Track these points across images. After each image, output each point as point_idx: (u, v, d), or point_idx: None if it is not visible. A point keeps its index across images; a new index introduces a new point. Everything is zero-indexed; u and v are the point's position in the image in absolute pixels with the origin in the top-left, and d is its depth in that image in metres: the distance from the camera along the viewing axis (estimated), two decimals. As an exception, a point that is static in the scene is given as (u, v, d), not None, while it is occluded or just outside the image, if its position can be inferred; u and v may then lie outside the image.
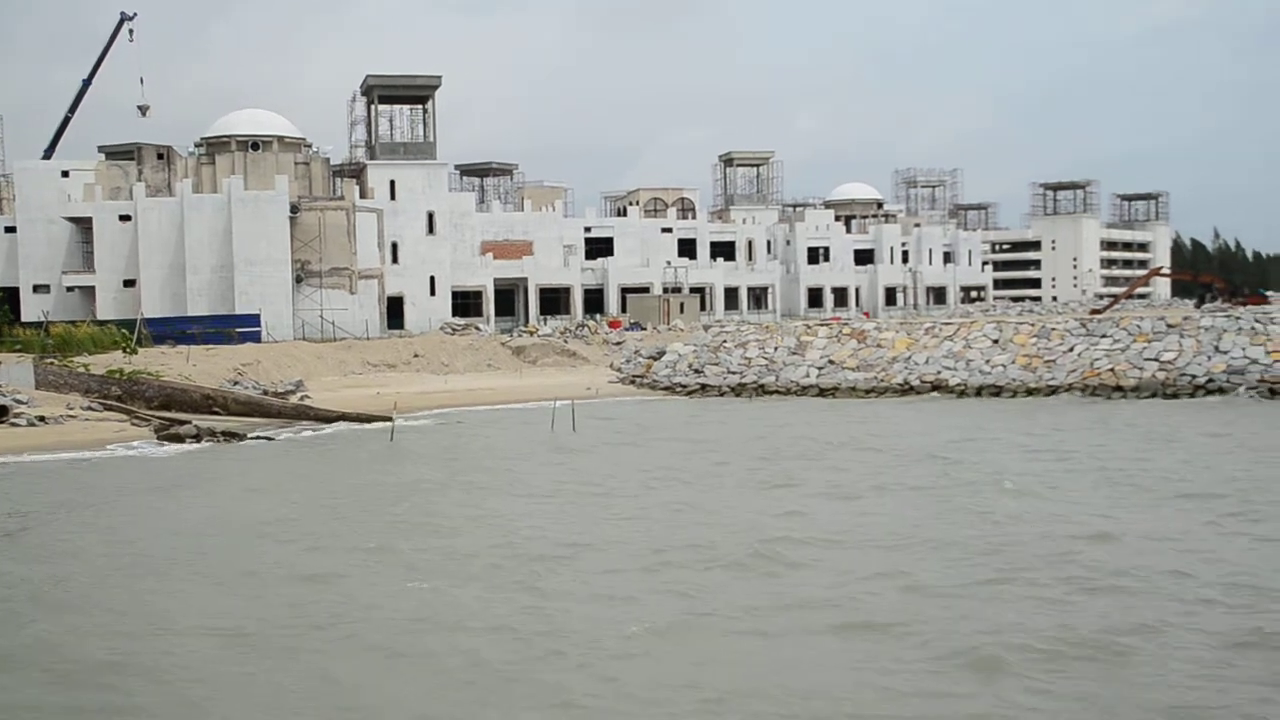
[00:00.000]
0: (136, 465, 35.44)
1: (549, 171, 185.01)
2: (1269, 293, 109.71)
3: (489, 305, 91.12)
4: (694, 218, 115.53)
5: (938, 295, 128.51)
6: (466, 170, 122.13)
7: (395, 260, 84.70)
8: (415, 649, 15.97)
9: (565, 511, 26.22)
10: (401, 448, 38.95)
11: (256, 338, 69.50)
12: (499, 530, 24.06)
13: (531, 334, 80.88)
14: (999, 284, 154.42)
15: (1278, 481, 27.87)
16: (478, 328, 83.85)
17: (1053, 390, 52.53)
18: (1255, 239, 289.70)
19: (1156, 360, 52.69)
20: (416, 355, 67.98)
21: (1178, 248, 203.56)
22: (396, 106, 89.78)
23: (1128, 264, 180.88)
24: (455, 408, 52.47)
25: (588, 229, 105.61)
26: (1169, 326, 55.25)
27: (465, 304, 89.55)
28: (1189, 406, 47.45)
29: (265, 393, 51.78)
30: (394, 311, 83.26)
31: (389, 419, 43.93)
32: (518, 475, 32.42)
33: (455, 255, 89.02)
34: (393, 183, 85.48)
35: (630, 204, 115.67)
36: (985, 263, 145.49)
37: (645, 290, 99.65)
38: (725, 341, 64.31)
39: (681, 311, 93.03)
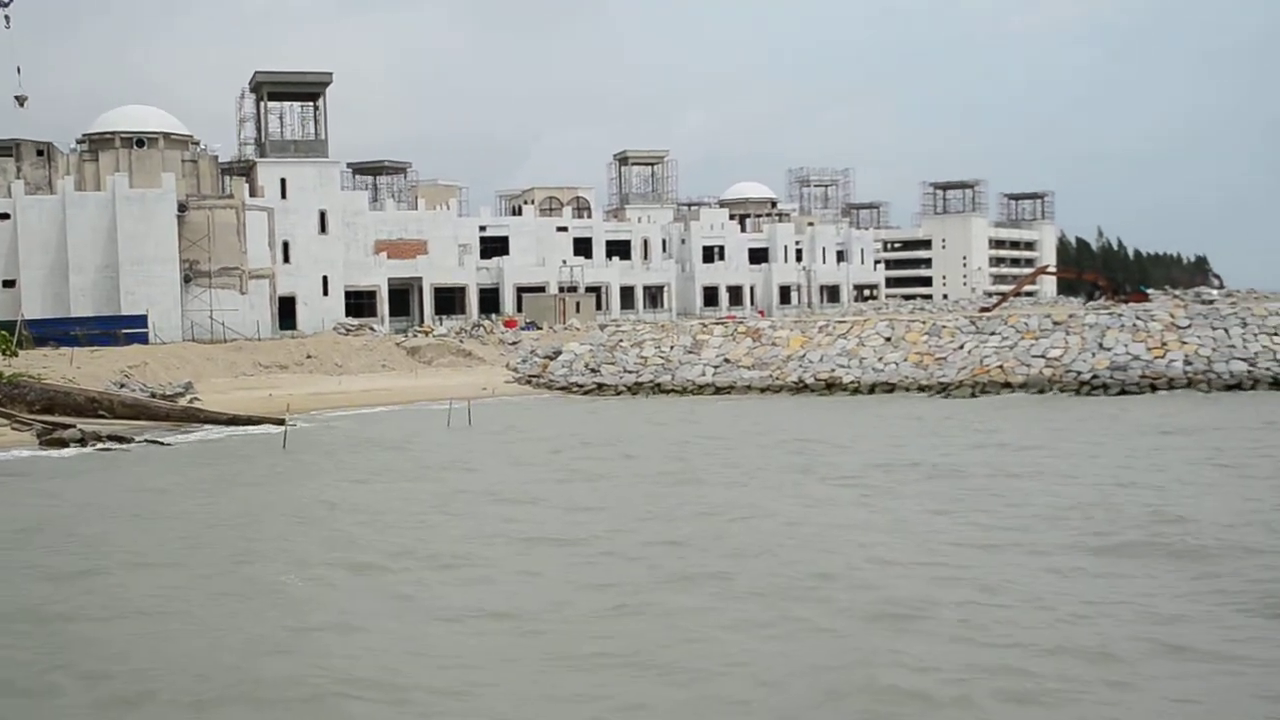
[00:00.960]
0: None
1: (443, 170, 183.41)
2: (1150, 290, 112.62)
3: (383, 305, 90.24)
4: (589, 217, 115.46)
5: (831, 294, 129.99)
6: (359, 168, 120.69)
7: (287, 260, 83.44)
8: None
9: (465, 513, 26.01)
10: (294, 451, 38.32)
11: (144, 339, 67.99)
12: (398, 534, 23.78)
13: (427, 334, 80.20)
14: (891, 282, 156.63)
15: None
16: (372, 328, 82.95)
17: (944, 387, 53.35)
18: (1136, 238, 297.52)
19: (1044, 357, 53.80)
20: (309, 356, 67.01)
21: (1063, 246, 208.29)
22: (286, 103, 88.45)
23: (1015, 262, 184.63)
24: (350, 409, 51.85)
25: (483, 228, 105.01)
26: (1055, 324, 56.42)
27: (359, 304, 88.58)
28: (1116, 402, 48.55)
29: (153, 395, 50.65)
30: (286, 312, 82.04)
31: (282, 421, 43.24)
32: (412, 477, 32.08)
33: (348, 254, 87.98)
34: (283, 181, 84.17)
35: (525, 203, 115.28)
36: (878, 261, 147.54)
37: (541, 289, 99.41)
38: (621, 341, 64.38)
39: (578, 311, 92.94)
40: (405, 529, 24.08)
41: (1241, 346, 52.03)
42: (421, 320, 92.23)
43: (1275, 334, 52.50)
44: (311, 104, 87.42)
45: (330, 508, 26.83)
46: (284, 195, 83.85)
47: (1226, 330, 53.23)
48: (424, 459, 35.68)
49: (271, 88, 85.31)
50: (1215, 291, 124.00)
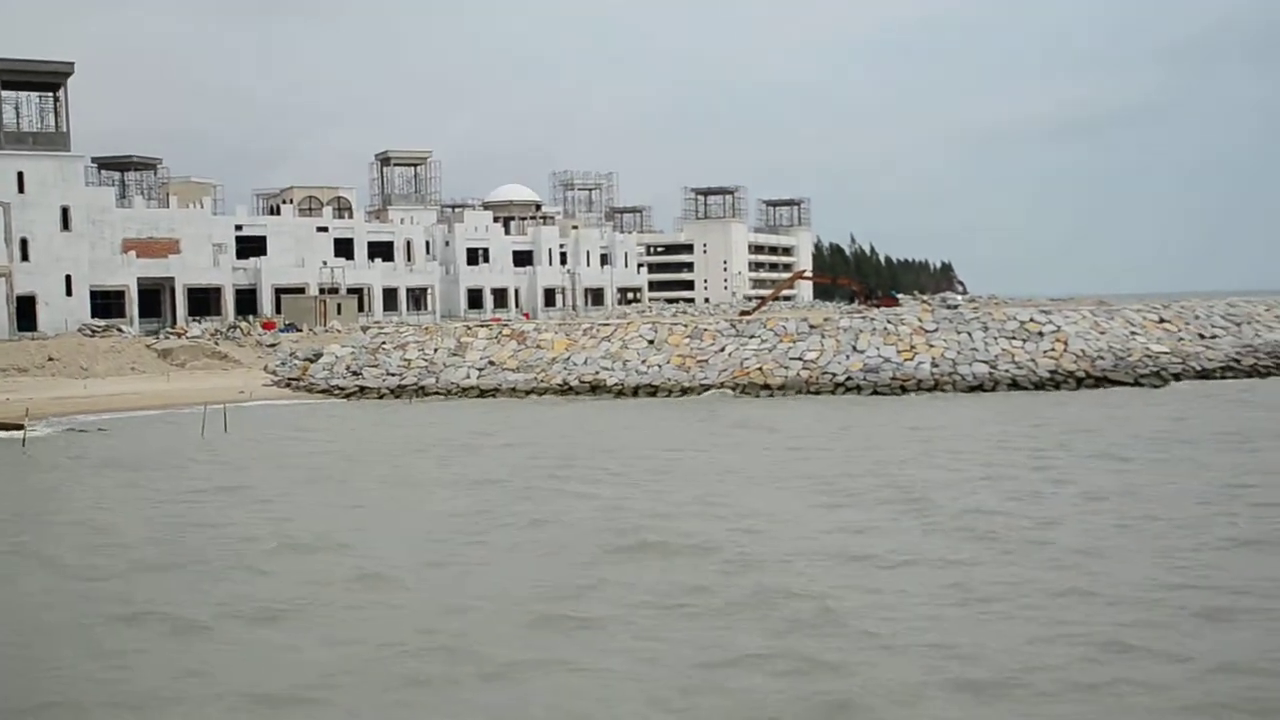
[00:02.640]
0: None
1: (197, 167, 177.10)
2: (899, 295, 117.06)
3: (132, 306, 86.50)
4: (351, 217, 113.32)
5: (595, 296, 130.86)
6: (105, 163, 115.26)
7: (25, 258, 78.98)
8: None
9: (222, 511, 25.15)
10: (34, 457, 36.36)
11: None
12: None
13: (180, 335, 77.22)
14: (654, 285, 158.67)
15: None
16: (120, 329, 79.31)
17: (705, 389, 54.26)
18: (888, 244, 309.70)
19: (801, 360, 55.31)
20: (51, 359, 63.67)
21: (819, 252, 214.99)
22: (23, 93, 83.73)
23: (774, 267, 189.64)
24: (96, 414, 49.48)
25: (239, 227, 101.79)
26: (811, 327, 58.03)
27: (106, 304, 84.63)
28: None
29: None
30: (24, 312, 77.73)
31: (20, 427, 40.95)
32: (158, 482, 30.84)
33: (94, 253, 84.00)
34: (21, 174, 79.57)
35: (284, 202, 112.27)
36: (641, 265, 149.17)
37: (301, 291, 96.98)
38: (384, 343, 63.39)
39: (339, 312, 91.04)
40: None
41: (984, 350, 54.59)
42: (174, 322, 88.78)
43: (1014, 338, 55.31)
44: (51, 94, 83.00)
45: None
46: (21, 189, 79.27)
47: (970, 334, 55.78)
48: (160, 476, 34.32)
49: (6, 76, 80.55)
50: (960, 297, 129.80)
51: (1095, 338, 55.72)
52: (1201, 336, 59.21)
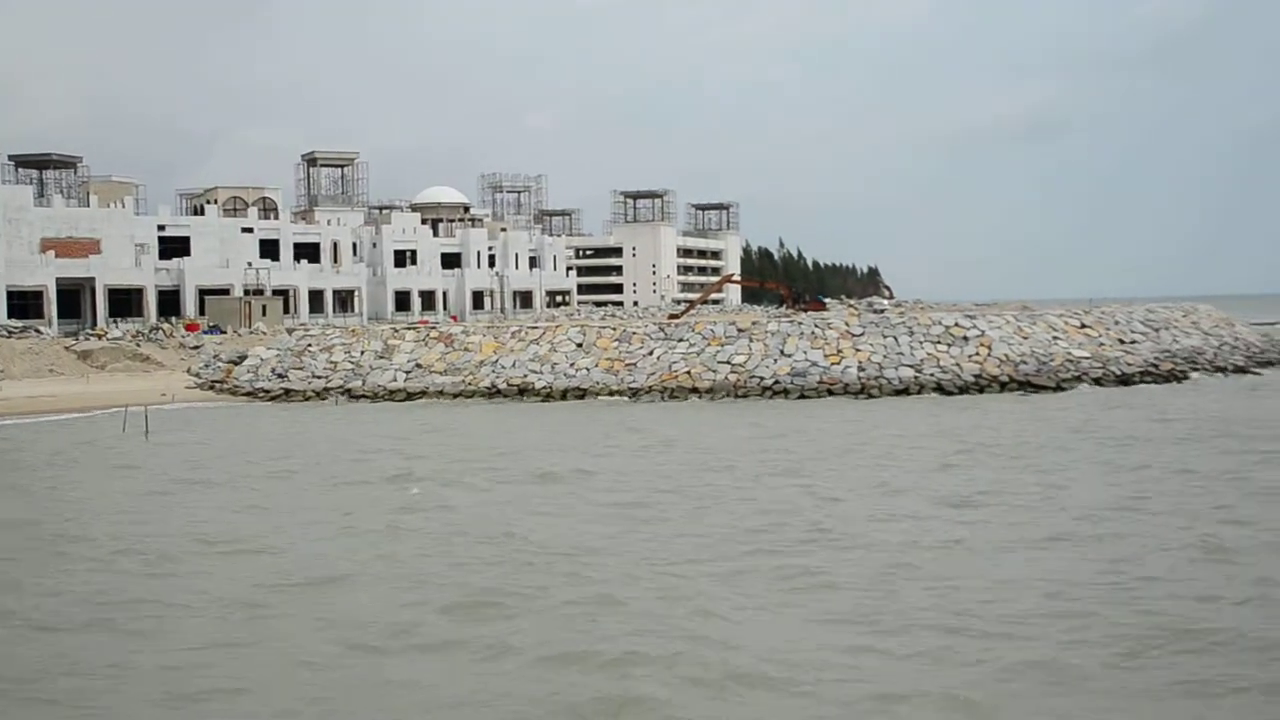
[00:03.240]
0: None
1: (118, 166, 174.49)
2: (827, 299, 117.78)
3: (51, 306, 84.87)
4: (276, 218, 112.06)
5: (524, 299, 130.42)
6: (22, 161, 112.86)
7: (-60, 257, 77.35)
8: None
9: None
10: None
11: None
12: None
13: (100, 337, 75.90)
14: (583, 289, 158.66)
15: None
16: (38, 330, 77.78)
17: (634, 392, 54.28)
18: (815, 249, 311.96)
19: (729, 363, 55.46)
20: (-34, 361, 62.36)
21: (747, 256, 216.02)
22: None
23: (702, 270, 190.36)
24: (11, 417, 48.51)
25: (162, 227, 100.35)
26: (739, 331, 58.19)
27: (23, 305, 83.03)
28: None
29: None
30: (-61, 313, 76.08)
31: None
32: (70, 487, 30.28)
33: (11, 252, 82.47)
34: (-64, 172, 78.05)
35: (208, 202, 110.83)
36: (570, 268, 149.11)
37: (225, 292, 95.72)
38: (310, 345, 62.77)
39: (264, 314, 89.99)
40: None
41: (909, 354, 55.07)
42: (94, 323, 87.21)
43: (939, 342, 55.85)
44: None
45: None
46: (-64, 187, 77.68)
47: (896, 339, 56.23)
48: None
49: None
50: (886, 301, 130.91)
51: (1018, 342, 56.41)
52: (1121, 342, 60.22)
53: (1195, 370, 59.43)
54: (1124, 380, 54.70)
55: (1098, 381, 53.89)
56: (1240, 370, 61.77)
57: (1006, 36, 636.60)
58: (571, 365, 57.29)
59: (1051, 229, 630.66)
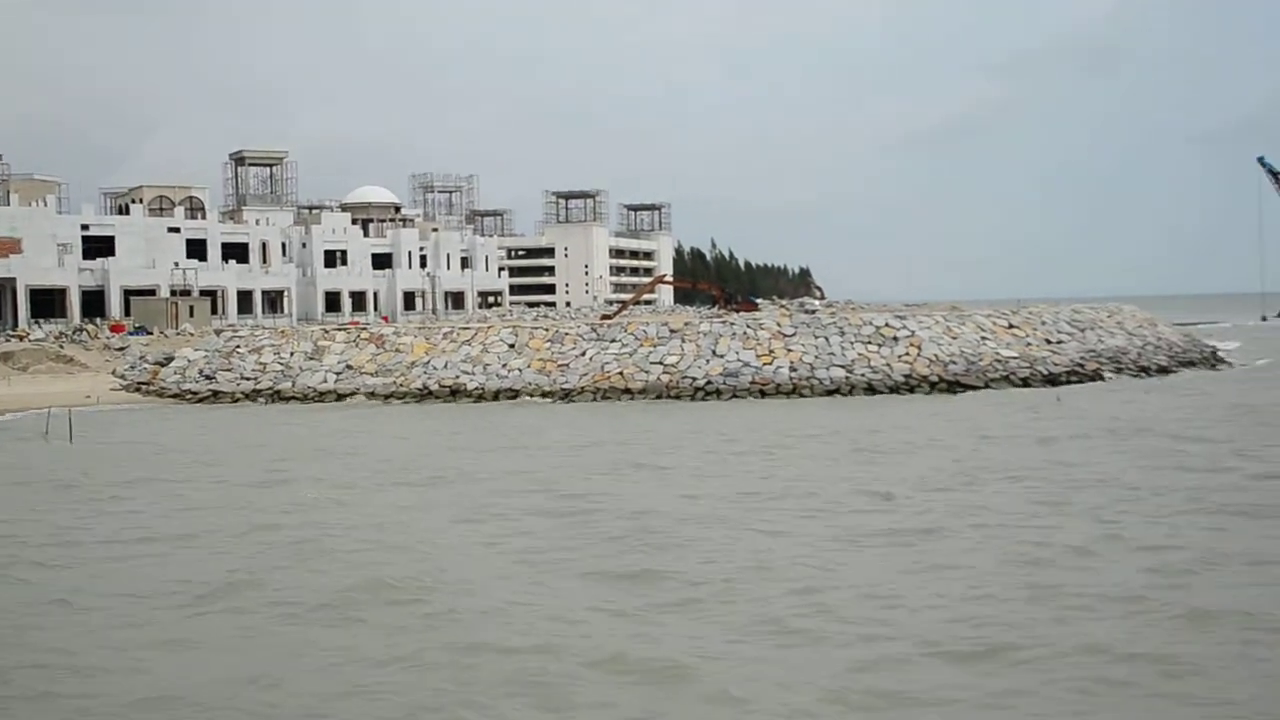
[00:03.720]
0: None
1: (39, 164, 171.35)
2: (759, 300, 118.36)
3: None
4: (204, 217, 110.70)
5: (456, 300, 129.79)
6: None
7: None
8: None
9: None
10: None
11: None
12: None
13: (21, 338, 74.49)
14: (515, 289, 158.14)
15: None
16: (-43, 332, 76.30)
17: (566, 394, 54.16)
18: (748, 250, 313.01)
19: (661, 364, 55.48)
20: (-117, 363, 60.97)
21: (679, 256, 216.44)
22: None
23: (635, 271, 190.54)
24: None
25: (85, 226, 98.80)
26: (672, 332, 58.24)
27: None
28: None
29: None
30: None
31: None
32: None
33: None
34: None
35: (133, 201, 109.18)
36: (502, 268, 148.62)
37: (151, 293, 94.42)
38: (239, 346, 62.03)
39: (191, 315, 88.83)
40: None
41: (840, 354, 55.40)
42: (15, 324, 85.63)
43: (870, 343, 56.25)
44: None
45: None
46: None
47: (827, 339, 56.55)
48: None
49: None
50: (817, 302, 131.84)
51: (948, 343, 56.95)
52: (1049, 342, 61.01)
53: (1120, 371, 60.16)
54: (1051, 380, 55.35)
55: (1025, 382, 54.45)
56: (1163, 370, 62.72)
57: (935, 39, 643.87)
58: (504, 366, 57.07)
59: (981, 229, 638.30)
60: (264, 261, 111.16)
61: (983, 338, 58.83)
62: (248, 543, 22.21)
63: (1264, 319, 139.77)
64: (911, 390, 52.87)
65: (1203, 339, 79.10)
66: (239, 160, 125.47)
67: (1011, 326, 61.53)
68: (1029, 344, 59.71)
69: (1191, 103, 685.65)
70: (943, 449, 33.55)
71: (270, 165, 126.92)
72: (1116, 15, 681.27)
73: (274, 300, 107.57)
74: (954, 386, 53.16)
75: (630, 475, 30.26)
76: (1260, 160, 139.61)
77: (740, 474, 29.75)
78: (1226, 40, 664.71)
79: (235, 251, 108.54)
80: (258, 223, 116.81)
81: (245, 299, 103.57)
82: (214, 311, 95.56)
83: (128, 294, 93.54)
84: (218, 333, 70.37)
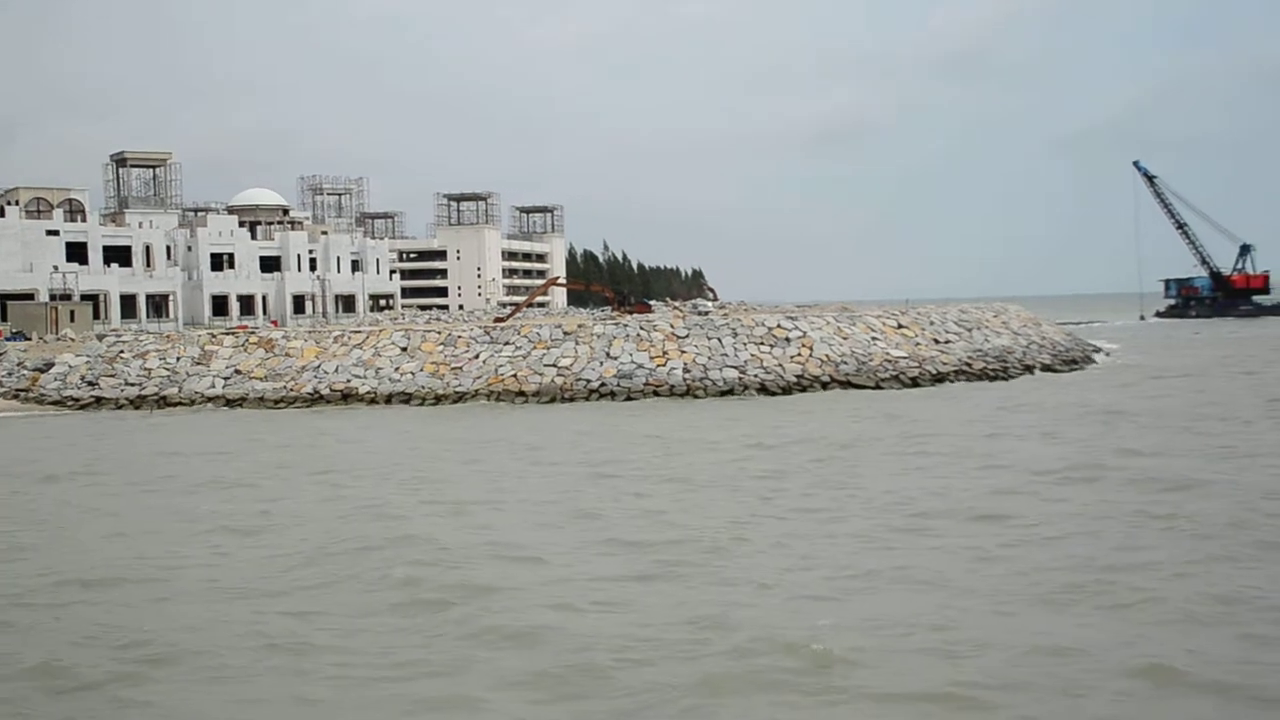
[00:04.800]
0: None
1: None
2: (652, 301, 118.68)
3: None
4: (84, 220, 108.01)
5: (347, 303, 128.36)
6: None
7: None
8: None
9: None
10: None
11: None
12: None
13: (-108, 345, 72.06)
14: (407, 292, 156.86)
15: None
16: None
17: (460, 396, 53.77)
18: (639, 252, 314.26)
19: (555, 366, 55.35)
20: None
21: (572, 258, 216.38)
22: None
23: (528, 273, 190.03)
24: None
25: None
26: (566, 334, 58.12)
27: None
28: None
29: None
30: None
31: None
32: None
33: None
34: None
35: (9, 203, 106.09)
36: (393, 271, 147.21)
37: (29, 297, 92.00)
38: (122, 352, 60.61)
39: (72, 320, 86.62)
40: None
41: (733, 355, 55.73)
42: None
43: (762, 344, 56.68)
44: None
45: None
46: None
47: (720, 340, 56.86)
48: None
49: None
50: (710, 303, 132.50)
51: (839, 343, 57.60)
52: (936, 342, 62.00)
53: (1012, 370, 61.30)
54: (939, 379, 56.26)
55: (915, 381, 55.24)
56: (1047, 369, 64.08)
57: (817, 40, 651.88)
58: (396, 370, 56.51)
59: (854, 231, 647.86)
60: (148, 265, 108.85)
61: (873, 338, 59.57)
62: None
63: (1142, 318, 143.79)
64: (804, 390, 53.29)
65: (1086, 339, 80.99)
66: (121, 162, 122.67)
67: (900, 327, 62.39)
68: (918, 344, 60.61)
69: (1051, 106, 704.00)
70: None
71: (154, 167, 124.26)
72: (987, 21, 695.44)
73: (159, 304, 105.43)
74: (845, 386, 53.78)
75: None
76: (1136, 164, 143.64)
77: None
78: (1087, 46, 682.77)
79: (118, 255, 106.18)
80: (141, 225, 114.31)
81: (129, 303, 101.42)
82: (96, 316, 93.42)
83: (4, 298, 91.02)
84: (100, 338, 68.73)
